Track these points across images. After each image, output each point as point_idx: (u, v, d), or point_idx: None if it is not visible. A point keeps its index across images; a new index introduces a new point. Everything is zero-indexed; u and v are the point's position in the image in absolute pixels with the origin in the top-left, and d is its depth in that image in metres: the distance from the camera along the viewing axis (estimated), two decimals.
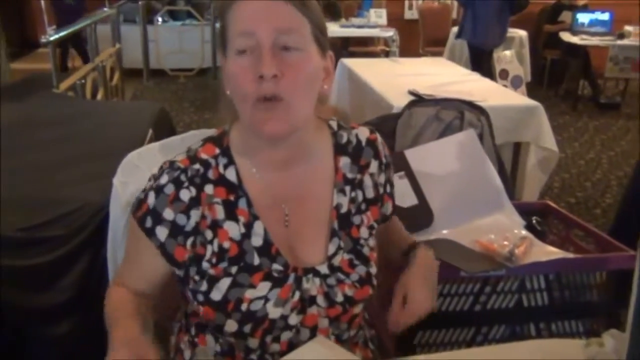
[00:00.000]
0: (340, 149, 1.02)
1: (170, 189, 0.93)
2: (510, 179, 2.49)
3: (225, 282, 0.91)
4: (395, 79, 3.32)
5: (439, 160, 1.58)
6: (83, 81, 3.49)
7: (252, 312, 0.90)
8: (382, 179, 1.05)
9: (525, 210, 1.66)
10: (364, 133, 1.05)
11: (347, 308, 0.96)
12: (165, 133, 2.67)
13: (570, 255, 1.45)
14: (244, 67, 0.87)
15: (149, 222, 0.93)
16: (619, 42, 5.84)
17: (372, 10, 6.58)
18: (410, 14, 7.34)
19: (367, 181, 1.03)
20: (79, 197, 1.72)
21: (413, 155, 1.54)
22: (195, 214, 0.93)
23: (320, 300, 0.95)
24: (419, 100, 2.03)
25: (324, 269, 0.96)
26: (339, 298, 0.95)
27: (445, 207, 1.50)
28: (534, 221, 1.59)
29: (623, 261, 1.41)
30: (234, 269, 0.92)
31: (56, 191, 1.80)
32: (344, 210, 0.99)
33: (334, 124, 1.05)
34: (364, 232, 1.00)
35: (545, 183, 3.26)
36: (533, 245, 1.45)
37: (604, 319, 1.47)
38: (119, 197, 1.18)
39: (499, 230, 1.50)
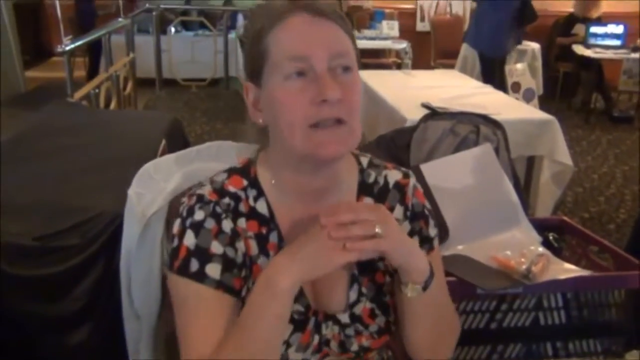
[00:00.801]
0: (364, 189, 0.97)
1: (211, 223, 0.88)
2: (524, 193, 2.47)
3: None
4: (408, 91, 3.32)
5: (454, 174, 1.57)
6: (97, 90, 3.51)
7: None
8: (405, 227, 0.98)
9: (541, 226, 1.65)
10: (395, 175, 1.00)
11: (361, 355, 0.95)
12: (178, 143, 2.68)
13: (588, 273, 1.43)
14: (296, 92, 0.83)
15: (194, 265, 0.86)
16: (633, 55, 5.81)
17: (384, 22, 6.59)
18: (422, 26, 7.36)
19: None
20: (94, 206, 1.72)
21: (429, 170, 1.53)
22: (240, 246, 0.89)
23: (334, 345, 0.93)
24: (434, 113, 2.02)
25: (345, 318, 0.93)
26: (354, 347, 0.94)
27: (460, 223, 1.49)
28: (550, 237, 1.58)
29: None
30: None
31: (71, 199, 1.80)
32: None
33: (364, 161, 1.00)
34: (388, 277, 0.96)
35: (559, 198, 3.23)
36: (550, 262, 1.44)
37: (622, 339, 1.45)
38: (133, 207, 1.18)
39: (515, 246, 1.48)
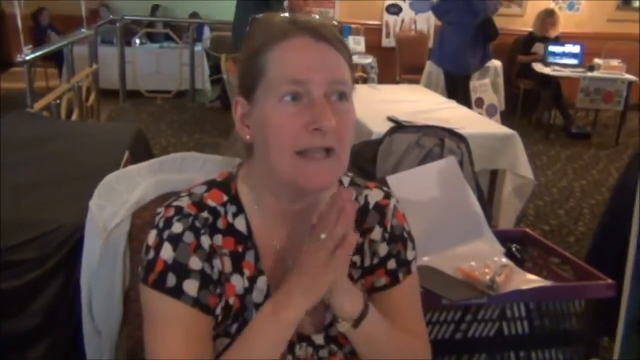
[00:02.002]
0: None
1: (190, 237, 0.85)
2: (488, 205, 2.52)
3: (222, 343, 0.87)
4: (374, 105, 3.35)
5: (420, 186, 1.59)
6: (58, 101, 3.44)
7: None
8: (383, 249, 0.96)
9: (504, 238, 1.68)
10: (375, 196, 0.98)
11: None
12: (142, 155, 2.63)
13: (550, 283, 1.46)
14: (289, 115, 0.81)
15: (171, 280, 0.83)
16: (589, 74, 6.02)
17: (350, 38, 6.65)
18: (387, 42, 7.46)
19: (366, 247, 0.96)
20: (53, 219, 1.67)
21: (395, 182, 1.55)
22: (216, 264, 0.87)
23: None
24: (400, 126, 2.04)
25: (319, 340, 0.92)
26: None
27: (426, 234, 1.50)
28: (513, 249, 1.61)
29: (602, 289, 1.43)
30: (234, 328, 0.88)
31: (30, 213, 1.75)
32: None
33: (346, 180, 0.98)
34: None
35: (520, 210, 3.30)
36: (513, 273, 1.46)
37: (582, 348, 1.48)
38: (95, 220, 1.15)
39: (479, 257, 1.51)
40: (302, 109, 0.82)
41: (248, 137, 0.88)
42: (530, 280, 1.45)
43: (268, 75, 0.84)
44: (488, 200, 2.88)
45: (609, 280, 1.43)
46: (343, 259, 0.81)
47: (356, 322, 0.86)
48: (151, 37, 7.22)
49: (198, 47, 6.95)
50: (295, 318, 0.82)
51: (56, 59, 5.98)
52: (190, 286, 0.84)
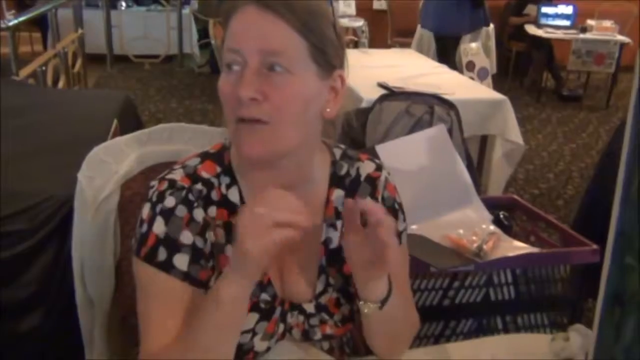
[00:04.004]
0: (336, 181, 0.96)
1: (182, 211, 0.86)
2: (477, 171, 2.53)
3: None
4: (365, 70, 3.32)
5: (409, 155, 1.60)
6: (44, 68, 3.38)
7: (239, 345, 0.87)
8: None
9: (492, 205, 1.70)
10: (367, 168, 0.98)
11: (322, 343, 0.96)
12: (130, 123, 2.61)
13: (536, 250, 1.49)
14: (228, 84, 0.83)
15: (162, 254, 0.84)
16: (582, 35, 5.98)
17: (340, 2, 6.55)
18: (378, 5, 7.34)
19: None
20: (42, 190, 1.67)
21: (384, 151, 1.55)
22: (209, 236, 0.87)
23: (297, 333, 0.94)
24: (389, 94, 2.03)
25: (310, 308, 0.94)
26: (317, 336, 0.95)
27: (414, 202, 1.51)
28: (501, 216, 1.63)
29: (586, 255, 1.45)
30: None
31: (19, 184, 1.74)
32: (333, 245, 0.94)
33: (337, 152, 0.98)
34: None
35: (510, 175, 3.33)
36: (500, 240, 1.48)
37: (567, 311, 1.52)
38: (84, 192, 1.15)
39: (467, 225, 1.52)
40: (235, 78, 0.82)
41: None
42: (517, 247, 1.48)
43: (225, 43, 0.86)
44: (478, 165, 2.89)
45: (594, 246, 1.46)
46: (280, 239, 0.74)
47: (382, 303, 0.87)
48: (137, 0, 7.07)
49: (185, 10, 6.82)
50: (232, 294, 0.77)
51: (40, 24, 5.85)
52: (181, 260, 0.85)
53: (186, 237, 0.85)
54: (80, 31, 4.78)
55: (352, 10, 6.36)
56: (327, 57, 0.85)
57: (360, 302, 0.88)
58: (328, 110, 0.88)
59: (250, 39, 0.81)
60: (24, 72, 3.12)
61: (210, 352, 0.80)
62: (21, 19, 3.49)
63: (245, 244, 0.74)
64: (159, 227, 0.85)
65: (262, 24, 0.82)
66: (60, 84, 3.69)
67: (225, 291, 0.77)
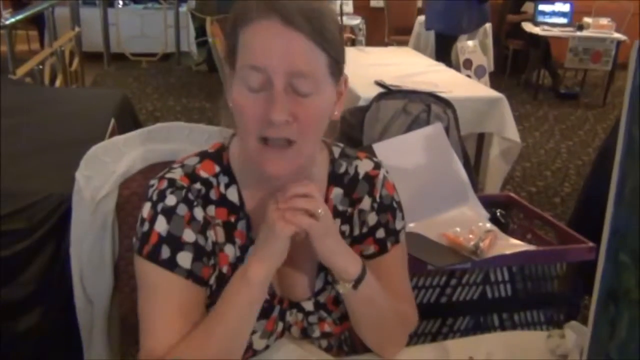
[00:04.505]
0: (334, 179, 0.96)
1: (183, 210, 0.86)
2: (474, 169, 2.54)
3: None
4: (362, 68, 3.32)
5: (406, 153, 1.60)
6: (41, 67, 3.38)
7: None
8: (372, 219, 0.97)
9: (489, 203, 1.70)
10: (365, 166, 0.98)
11: (321, 341, 0.97)
12: (128, 122, 2.62)
13: (533, 247, 1.50)
14: (251, 102, 0.80)
15: (165, 252, 0.85)
16: (579, 33, 5.99)
17: None
18: (376, 3, 7.34)
19: (356, 217, 0.97)
20: (41, 189, 1.67)
21: (381, 149, 1.56)
22: (210, 234, 0.88)
23: (295, 331, 0.95)
24: (386, 93, 2.04)
25: (309, 306, 0.95)
26: (316, 334, 0.95)
27: (412, 201, 1.52)
28: (498, 214, 1.63)
29: (582, 253, 1.46)
30: None
31: (17, 183, 1.74)
32: None
33: (336, 151, 0.99)
34: None
35: (507, 172, 3.34)
36: (497, 238, 1.49)
37: (564, 309, 1.52)
38: (82, 191, 1.15)
39: (464, 223, 1.53)
40: (261, 98, 0.80)
41: (231, 105, 0.87)
42: (514, 245, 1.49)
43: (238, 56, 0.83)
44: (475, 163, 2.90)
45: (590, 244, 1.46)
46: (292, 214, 0.82)
47: (356, 283, 0.88)
48: None
49: (183, 8, 6.81)
50: (262, 275, 0.83)
51: (36, 22, 5.84)
52: (184, 258, 0.85)
53: (188, 235, 0.86)
54: (77, 29, 4.77)
55: (350, 7, 6.36)
56: (340, 66, 0.86)
57: (337, 284, 0.90)
58: (335, 113, 0.89)
59: (275, 57, 0.79)
60: (21, 70, 3.11)
61: (240, 329, 0.84)
62: (18, 17, 3.48)
63: (275, 226, 0.80)
64: (161, 225, 0.86)
65: (286, 42, 0.79)
66: (58, 83, 3.69)
67: (255, 272, 0.82)
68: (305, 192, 0.83)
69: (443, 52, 4.89)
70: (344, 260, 0.88)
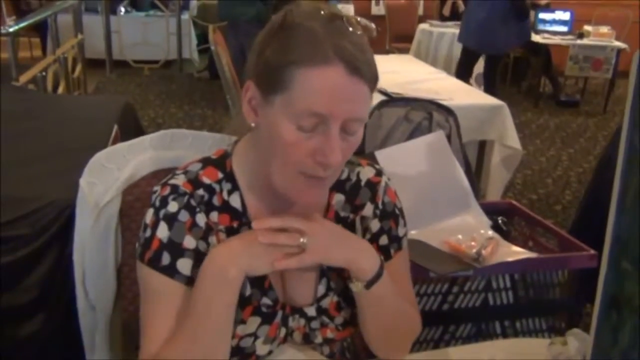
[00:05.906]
0: (336, 185, 0.95)
1: (185, 216, 0.87)
2: (475, 177, 2.54)
3: None
4: None
5: (408, 161, 1.61)
6: (44, 73, 3.39)
7: (241, 349, 0.89)
8: (374, 226, 0.98)
9: (490, 210, 1.71)
10: (367, 173, 0.99)
11: (323, 347, 0.97)
12: (130, 128, 2.62)
13: (534, 255, 1.50)
14: (301, 139, 0.80)
15: (166, 259, 0.85)
16: (579, 41, 6.01)
17: (339, 6, 6.58)
18: (377, 10, 7.38)
19: (358, 224, 0.98)
20: (44, 195, 1.68)
21: (383, 156, 1.56)
22: (212, 241, 0.89)
23: (298, 337, 0.95)
24: (388, 100, 2.05)
25: (311, 312, 0.95)
26: (318, 340, 0.96)
27: (414, 208, 1.52)
28: (499, 221, 1.64)
29: (584, 260, 1.46)
30: None
31: (20, 189, 1.75)
32: None
33: None
34: None
35: (509, 180, 3.34)
36: (499, 245, 1.49)
37: (565, 316, 1.52)
38: (85, 198, 1.16)
39: (466, 230, 1.53)
40: (314, 137, 0.80)
41: (253, 124, 0.87)
42: (516, 252, 1.49)
43: (291, 93, 0.79)
44: (476, 171, 2.91)
45: (592, 251, 1.47)
46: (276, 254, 0.83)
47: (369, 283, 0.88)
48: (136, 5, 7.09)
49: (185, 16, 6.84)
50: (243, 276, 0.83)
51: (39, 29, 5.87)
52: (184, 265, 0.86)
53: (189, 241, 0.87)
54: (79, 36, 4.80)
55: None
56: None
57: (349, 280, 0.90)
58: None
59: (338, 105, 0.78)
60: (24, 77, 3.13)
61: (222, 331, 0.84)
62: (22, 24, 3.50)
63: (261, 260, 0.82)
64: (163, 231, 0.86)
65: (351, 91, 0.79)
66: (60, 89, 3.70)
67: (233, 272, 0.81)
68: (281, 226, 0.84)
69: (465, 68, 4.76)
70: (361, 260, 0.88)
